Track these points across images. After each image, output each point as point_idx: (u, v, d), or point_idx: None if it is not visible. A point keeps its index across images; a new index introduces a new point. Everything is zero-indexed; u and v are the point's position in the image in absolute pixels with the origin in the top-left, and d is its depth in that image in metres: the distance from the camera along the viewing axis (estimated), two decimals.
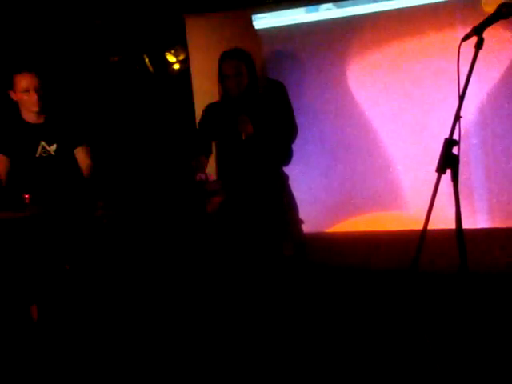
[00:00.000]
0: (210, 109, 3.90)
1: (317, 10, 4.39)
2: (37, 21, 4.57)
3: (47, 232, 3.17)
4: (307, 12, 4.41)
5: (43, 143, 3.53)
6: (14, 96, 3.47)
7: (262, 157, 3.72)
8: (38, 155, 3.52)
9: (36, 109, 3.46)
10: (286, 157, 3.81)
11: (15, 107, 3.53)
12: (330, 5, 4.35)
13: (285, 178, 3.85)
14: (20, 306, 3.25)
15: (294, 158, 3.88)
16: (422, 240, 2.48)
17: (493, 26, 2.40)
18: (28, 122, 3.55)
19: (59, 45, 4.73)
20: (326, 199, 4.46)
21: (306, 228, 4.04)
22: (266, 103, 3.74)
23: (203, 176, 3.52)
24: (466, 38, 2.49)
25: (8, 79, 3.44)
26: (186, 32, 4.69)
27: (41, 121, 3.56)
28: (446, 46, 3.97)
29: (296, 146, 3.89)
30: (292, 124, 3.82)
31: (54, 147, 3.54)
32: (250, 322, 3.45)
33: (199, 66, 4.68)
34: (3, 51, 4.34)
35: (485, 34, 2.40)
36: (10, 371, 3.04)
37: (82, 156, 3.62)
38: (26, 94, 3.42)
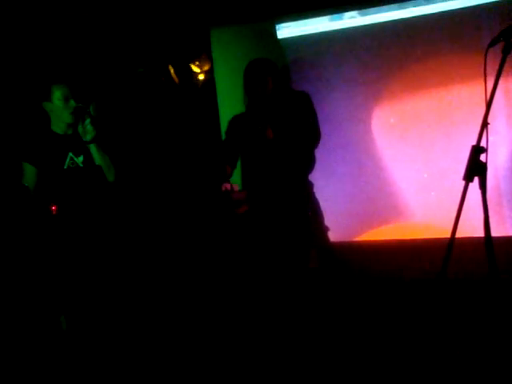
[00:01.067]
0: (235, 120, 3.91)
1: (341, 19, 4.39)
2: (66, 33, 4.64)
3: (74, 243, 3.20)
4: (331, 20, 4.41)
5: (71, 154, 3.57)
6: (48, 107, 3.53)
7: (285, 164, 3.71)
8: (66, 166, 3.56)
9: (70, 119, 3.52)
10: (309, 163, 3.79)
11: (45, 119, 3.58)
12: (354, 13, 4.34)
13: (310, 186, 3.84)
14: (50, 317, 3.28)
15: (319, 167, 3.87)
16: (451, 248, 2.46)
17: None
18: (57, 134, 3.59)
19: (86, 56, 4.79)
20: (351, 208, 4.43)
21: (331, 237, 4.02)
22: (291, 112, 3.73)
23: (228, 186, 3.53)
24: (494, 43, 2.47)
25: (44, 90, 3.50)
26: (211, 43, 4.73)
27: (70, 131, 3.60)
28: (471, 53, 3.93)
29: (320, 155, 3.88)
30: (316, 130, 3.81)
31: (81, 158, 3.58)
32: (271, 336, 3.42)
33: (224, 76, 4.72)
34: (38, 63, 4.41)
35: None
36: (39, 380, 3.07)
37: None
38: (63, 103, 3.48)
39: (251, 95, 3.73)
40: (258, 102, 3.71)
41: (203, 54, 4.84)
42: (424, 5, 4.14)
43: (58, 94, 3.46)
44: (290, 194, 3.74)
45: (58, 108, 3.50)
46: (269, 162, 3.73)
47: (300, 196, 3.75)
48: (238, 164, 3.93)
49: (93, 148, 3.56)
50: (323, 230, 3.85)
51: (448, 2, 4.08)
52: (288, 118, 3.72)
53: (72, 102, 3.48)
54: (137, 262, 3.36)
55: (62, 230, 3.15)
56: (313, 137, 3.79)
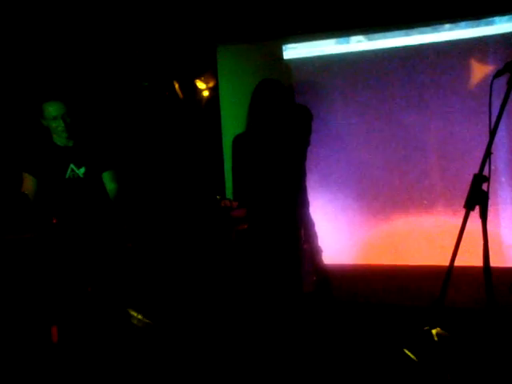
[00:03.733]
0: (238, 141, 3.92)
1: (347, 42, 4.41)
2: (68, 47, 4.67)
3: (71, 254, 3.18)
4: (337, 43, 4.43)
5: (72, 165, 3.58)
6: (44, 123, 3.55)
7: (278, 182, 3.73)
8: (67, 177, 3.57)
9: (65, 135, 3.54)
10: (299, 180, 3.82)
11: (47, 130, 3.60)
12: (360, 37, 4.37)
13: (304, 206, 3.80)
14: (40, 327, 3.26)
15: (320, 187, 3.88)
16: (449, 276, 2.45)
17: None
18: (58, 145, 3.61)
19: (90, 70, 4.82)
20: (348, 230, 4.42)
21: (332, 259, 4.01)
22: (292, 128, 3.77)
23: (228, 202, 3.52)
24: (499, 74, 2.48)
25: (38, 108, 3.52)
26: (217, 60, 4.75)
27: (71, 144, 3.61)
28: (477, 83, 3.95)
29: (322, 175, 3.88)
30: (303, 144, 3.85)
31: (82, 170, 3.59)
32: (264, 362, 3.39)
33: (228, 93, 4.73)
34: (33, 80, 4.45)
35: None
36: None
37: (109, 180, 3.66)
38: (53, 121, 3.50)
39: (258, 115, 3.74)
40: (263, 122, 3.71)
41: (208, 70, 4.86)
42: (430, 33, 4.16)
43: (49, 112, 3.49)
44: (281, 216, 3.72)
45: (50, 125, 3.52)
46: (264, 182, 3.76)
47: (292, 216, 3.73)
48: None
49: (108, 174, 3.60)
50: (316, 252, 3.83)
51: (454, 32, 4.11)
52: (288, 135, 3.74)
53: (67, 119, 3.49)
54: (134, 274, 3.35)
55: (60, 240, 3.13)
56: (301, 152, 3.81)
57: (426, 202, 4.26)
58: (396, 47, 4.26)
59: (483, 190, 2.44)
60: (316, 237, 3.85)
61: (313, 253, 3.81)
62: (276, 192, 3.72)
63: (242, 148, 3.84)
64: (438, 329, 2.59)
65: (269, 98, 3.70)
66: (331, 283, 3.88)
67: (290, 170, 3.72)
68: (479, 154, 2.52)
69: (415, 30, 4.19)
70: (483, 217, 2.44)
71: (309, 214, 3.85)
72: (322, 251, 3.88)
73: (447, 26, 4.13)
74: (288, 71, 4.52)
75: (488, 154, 2.45)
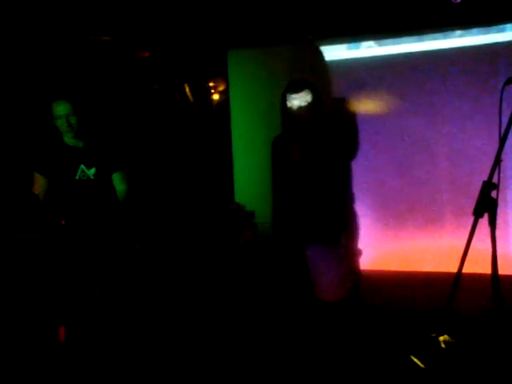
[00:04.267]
0: (276, 143, 3.83)
1: (358, 48, 4.41)
2: (80, 48, 4.70)
3: (79, 254, 3.20)
4: (349, 49, 4.43)
5: (83, 166, 3.60)
6: (55, 123, 3.59)
7: (316, 187, 3.63)
8: (77, 178, 3.58)
9: (70, 134, 3.56)
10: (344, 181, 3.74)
11: (58, 131, 3.62)
12: (371, 42, 4.37)
13: (346, 205, 3.72)
14: (48, 327, 3.27)
15: None
16: (457, 283, 2.44)
17: None
18: (68, 145, 3.62)
19: (102, 72, 4.84)
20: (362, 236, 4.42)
21: None
22: (327, 133, 3.67)
23: (235, 206, 3.53)
24: (510, 81, 2.47)
25: (48, 107, 3.55)
26: (228, 64, 4.77)
27: (81, 145, 3.63)
28: (487, 89, 3.94)
29: None
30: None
31: (92, 171, 3.60)
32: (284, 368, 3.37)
33: (238, 97, 4.74)
34: (44, 80, 4.48)
35: None
36: None
37: (119, 181, 3.67)
38: (59, 120, 3.52)
39: (291, 116, 3.65)
40: (292, 124, 3.65)
41: (219, 74, 4.88)
42: (441, 39, 4.16)
43: (55, 111, 3.51)
44: (322, 219, 3.62)
45: (57, 124, 3.55)
46: (298, 185, 3.66)
47: (332, 219, 3.62)
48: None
49: (118, 175, 3.62)
50: (354, 253, 3.72)
51: (465, 38, 4.11)
52: (322, 140, 3.64)
53: (72, 119, 3.51)
54: (142, 276, 3.35)
55: (69, 240, 3.15)
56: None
57: (435, 208, 4.25)
58: (407, 53, 4.26)
59: (492, 198, 2.43)
60: (356, 238, 3.75)
61: (349, 256, 3.70)
62: (317, 196, 3.62)
63: (281, 150, 3.75)
64: (446, 336, 2.59)
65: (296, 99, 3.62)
66: (360, 287, 3.75)
67: (331, 174, 3.64)
68: (489, 160, 2.51)
69: (426, 36, 4.19)
70: (492, 224, 2.43)
71: (352, 216, 3.75)
72: (360, 254, 3.78)
73: (458, 32, 4.13)
74: (298, 76, 4.52)
75: (497, 162, 2.44)
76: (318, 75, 4.49)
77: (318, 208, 3.57)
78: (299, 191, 3.63)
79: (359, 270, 3.72)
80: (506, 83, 2.49)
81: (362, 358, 3.34)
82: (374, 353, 3.42)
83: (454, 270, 2.48)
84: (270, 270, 3.98)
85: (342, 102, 4.44)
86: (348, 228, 3.67)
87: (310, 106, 3.59)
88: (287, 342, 3.54)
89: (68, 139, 3.62)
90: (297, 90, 3.59)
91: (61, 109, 3.50)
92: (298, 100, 3.57)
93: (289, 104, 3.61)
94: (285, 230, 3.63)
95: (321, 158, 3.56)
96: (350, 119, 4.40)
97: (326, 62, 4.49)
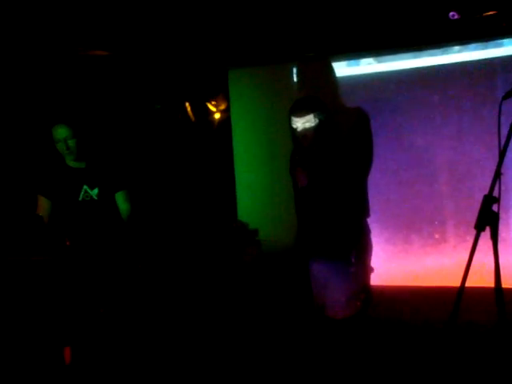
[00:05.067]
0: (292, 158, 3.62)
1: (357, 65, 4.45)
2: (80, 69, 4.74)
3: (84, 275, 3.21)
4: (348, 66, 4.47)
5: (86, 187, 3.62)
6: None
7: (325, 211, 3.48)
8: (80, 199, 3.60)
9: (70, 157, 3.59)
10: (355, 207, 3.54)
11: (61, 154, 3.65)
12: (370, 59, 4.40)
13: (359, 231, 3.53)
14: (53, 348, 3.27)
15: None
16: (460, 297, 2.44)
17: None
18: (71, 167, 3.65)
19: (103, 93, 4.88)
20: None
21: None
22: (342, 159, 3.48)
23: (239, 224, 3.52)
24: (509, 95, 2.49)
25: (49, 131, 3.60)
26: (229, 83, 4.80)
27: (83, 165, 3.66)
28: (486, 104, 3.96)
29: None
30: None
31: (96, 191, 3.62)
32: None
33: (240, 116, 4.77)
34: (45, 104, 4.52)
35: None
36: None
37: (122, 200, 3.69)
38: (58, 144, 3.56)
39: (296, 137, 3.47)
40: (304, 145, 3.46)
41: (220, 93, 4.91)
42: (439, 55, 4.20)
43: (54, 135, 3.55)
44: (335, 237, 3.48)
45: (58, 147, 3.58)
46: (305, 209, 3.52)
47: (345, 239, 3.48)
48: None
49: (121, 195, 3.64)
50: (366, 272, 3.56)
51: (463, 53, 4.14)
52: (331, 160, 3.47)
53: (71, 142, 3.54)
54: (146, 295, 3.36)
55: (74, 261, 3.16)
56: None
57: (436, 222, 4.26)
58: (405, 69, 4.30)
59: (493, 211, 2.43)
60: (369, 255, 3.56)
61: (360, 274, 3.51)
62: (326, 216, 3.47)
63: (294, 165, 3.54)
64: None
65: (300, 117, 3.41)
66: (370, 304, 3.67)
67: (341, 193, 3.47)
68: (489, 174, 2.52)
69: (424, 52, 4.23)
70: (494, 238, 2.43)
71: (364, 232, 3.56)
72: (372, 271, 3.59)
73: (456, 48, 4.16)
74: (299, 94, 4.55)
75: (498, 175, 2.45)
76: (318, 93, 4.52)
77: (328, 226, 3.50)
78: (309, 211, 3.54)
79: (370, 287, 3.63)
80: (505, 97, 2.50)
81: (365, 370, 3.33)
82: (376, 365, 3.41)
83: (457, 284, 2.48)
84: (274, 287, 3.98)
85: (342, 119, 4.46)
86: (359, 245, 3.57)
87: (315, 127, 3.38)
88: (293, 359, 3.53)
89: (70, 161, 3.65)
90: (300, 114, 3.39)
91: (59, 132, 3.54)
92: (301, 123, 3.38)
93: (293, 126, 3.42)
94: (300, 247, 3.55)
95: (328, 180, 3.46)
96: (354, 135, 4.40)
97: (326, 79, 4.52)
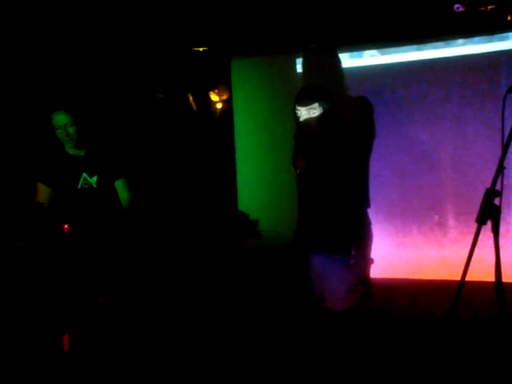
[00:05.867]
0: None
1: (361, 56, 4.43)
2: (82, 57, 4.73)
3: (83, 263, 3.20)
4: (351, 57, 4.45)
5: (85, 174, 3.61)
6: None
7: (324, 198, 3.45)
8: (79, 187, 3.60)
9: (69, 144, 3.58)
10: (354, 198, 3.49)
11: (60, 141, 3.64)
12: (373, 51, 4.38)
13: (358, 222, 3.49)
14: (52, 335, 3.27)
15: None
16: (460, 291, 2.44)
17: None
18: (71, 154, 3.64)
19: (105, 80, 4.86)
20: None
21: None
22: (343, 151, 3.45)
23: (239, 214, 3.51)
24: None
25: (49, 118, 3.58)
26: (231, 73, 4.78)
27: (83, 153, 3.65)
28: (490, 97, 3.95)
29: None
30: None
31: (95, 179, 3.61)
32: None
33: (242, 106, 4.76)
34: (45, 90, 4.51)
35: None
36: None
37: (121, 188, 3.68)
38: (58, 130, 3.54)
39: (297, 124, 3.47)
40: (301, 132, 3.47)
41: (222, 83, 4.89)
42: (443, 48, 4.18)
43: (53, 121, 3.54)
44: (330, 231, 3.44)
45: (57, 134, 3.56)
46: (305, 198, 3.51)
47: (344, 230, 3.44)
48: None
49: (120, 183, 3.63)
50: (366, 263, 3.51)
51: (467, 47, 4.12)
52: (332, 149, 3.45)
53: (70, 129, 3.52)
54: (145, 284, 3.36)
55: (73, 249, 3.15)
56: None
57: (437, 216, 4.25)
58: (409, 61, 4.28)
59: (495, 205, 2.42)
60: (368, 247, 3.53)
61: (360, 266, 3.48)
62: (325, 205, 3.44)
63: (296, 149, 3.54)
64: None
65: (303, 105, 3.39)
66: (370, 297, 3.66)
67: (341, 182, 3.43)
68: (492, 168, 2.51)
69: (428, 44, 4.21)
70: (495, 231, 2.43)
71: (364, 223, 3.53)
72: (372, 262, 3.55)
73: (460, 41, 4.14)
74: (302, 84, 4.53)
75: (500, 169, 2.44)
76: (320, 83, 4.50)
77: (327, 216, 3.49)
78: (308, 200, 3.54)
79: (369, 279, 3.63)
80: (509, 91, 2.49)
81: (363, 364, 3.33)
82: (375, 359, 3.40)
83: (458, 277, 2.47)
84: (274, 279, 3.97)
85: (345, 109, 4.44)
86: (359, 236, 3.56)
87: (319, 116, 3.37)
88: (292, 350, 3.53)
89: (69, 148, 3.64)
90: (304, 102, 3.38)
91: (59, 119, 3.52)
92: (305, 111, 3.37)
93: (297, 113, 3.42)
94: (299, 238, 3.55)
95: (328, 169, 3.46)
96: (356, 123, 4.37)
97: (328, 70, 4.50)
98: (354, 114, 4.10)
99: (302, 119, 3.39)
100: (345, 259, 3.43)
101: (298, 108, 3.40)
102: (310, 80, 4.35)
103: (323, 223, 3.45)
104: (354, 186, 3.48)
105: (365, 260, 3.51)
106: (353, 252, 3.44)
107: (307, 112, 3.37)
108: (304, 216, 3.54)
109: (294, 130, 3.51)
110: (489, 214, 2.41)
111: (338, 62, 4.44)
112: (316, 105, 3.38)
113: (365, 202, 3.58)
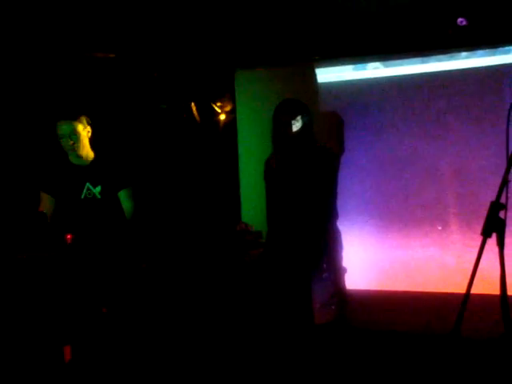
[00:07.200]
0: (267, 162, 3.78)
1: (364, 68, 4.43)
2: (86, 67, 4.75)
3: (86, 273, 3.20)
4: (355, 70, 4.45)
5: (88, 184, 3.61)
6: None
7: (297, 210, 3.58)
8: (83, 197, 3.59)
9: (74, 153, 3.58)
10: (325, 214, 3.64)
11: (64, 151, 3.64)
12: (377, 63, 4.39)
13: (328, 234, 3.63)
14: (53, 346, 3.26)
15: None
16: (465, 304, 2.43)
17: None
18: (74, 164, 3.64)
19: (109, 90, 4.88)
20: (362, 255, 4.39)
21: None
22: (314, 166, 3.62)
23: (243, 225, 3.52)
24: None
25: (54, 127, 3.59)
26: (235, 84, 4.79)
27: (86, 163, 3.65)
28: (494, 111, 3.95)
29: (340, 201, 3.84)
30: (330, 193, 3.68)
31: (98, 189, 3.61)
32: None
33: (245, 117, 4.76)
34: (49, 100, 4.52)
35: None
36: None
37: (125, 198, 3.68)
38: (62, 140, 3.55)
39: (275, 135, 3.63)
40: (280, 143, 3.62)
41: (226, 94, 4.90)
42: (447, 60, 4.18)
43: (58, 131, 3.55)
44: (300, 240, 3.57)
45: (61, 143, 3.58)
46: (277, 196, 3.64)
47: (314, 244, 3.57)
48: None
49: (124, 193, 3.63)
50: (339, 275, 3.63)
51: (471, 60, 4.12)
52: (307, 169, 3.60)
53: (75, 138, 3.53)
54: (148, 295, 3.35)
55: (76, 259, 3.15)
56: (327, 198, 3.66)
57: (440, 227, 4.23)
58: (412, 74, 4.28)
59: (500, 218, 2.42)
60: (339, 257, 3.64)
61: (332, 279, 3.58)
62: (298, 217, 3.58)
63: (269, 169, 3.72)
64: None
65: (283, 119, 3.59)
66: (347, 309, 3.69)
67: (313, 197, 3.58)
68: (496, 181, 2.51)
69: (432, 57, 4.21)
70: (500, 244, 2.42)
71: (333, 235, 3.65)
72: (345, 272, 3.67)
73: (464, 54, 4.15)
74: (305, 96, 4.54)
75: (505, 182, 2.44)
76: (324, 95, 4.51)
77: (293, 232, 3.55)
78: (276, 215, 3.62)
79: (345, 290, 3.65)
80: None
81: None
82: (378, 378, 3.37)
83: (463, 290, 2.46)
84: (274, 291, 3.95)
85: (349, 123, 4.44)
86: (330, 250, 3.60)
87: (299, 129, 3.55)
88: (278, 363, 3.49)
89: (73, 158, 3.64)
90: (289, 115, 3.56)
91: (64, 128, 3.53)
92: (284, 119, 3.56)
93: (274, 123, 3.61)
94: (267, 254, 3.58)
95: (296, 182, 3.53)
96: (353, 140, 4.39)
97: (332, 82, 4.51)
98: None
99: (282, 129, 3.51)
100: (317, 275, 3.45)
101: (280, 119, 3.55)
102: (309, 93, 4.41)
103: (292, 243, 3.49)
104: (321, 201, 3.54)
105: (336, 272, 3.54)
106: (324, 266, 3.47)
107: (287, 122, 3.53)
108: (272, 233, 3.58)
109: None
110: (494, 226, 2.41)
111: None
112: (299, 117, 3.54)
113: (332, 215, 3.62)
